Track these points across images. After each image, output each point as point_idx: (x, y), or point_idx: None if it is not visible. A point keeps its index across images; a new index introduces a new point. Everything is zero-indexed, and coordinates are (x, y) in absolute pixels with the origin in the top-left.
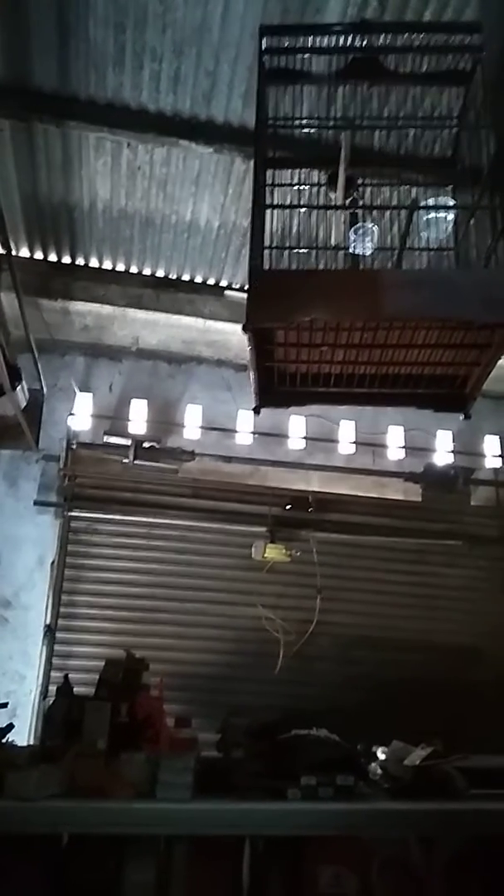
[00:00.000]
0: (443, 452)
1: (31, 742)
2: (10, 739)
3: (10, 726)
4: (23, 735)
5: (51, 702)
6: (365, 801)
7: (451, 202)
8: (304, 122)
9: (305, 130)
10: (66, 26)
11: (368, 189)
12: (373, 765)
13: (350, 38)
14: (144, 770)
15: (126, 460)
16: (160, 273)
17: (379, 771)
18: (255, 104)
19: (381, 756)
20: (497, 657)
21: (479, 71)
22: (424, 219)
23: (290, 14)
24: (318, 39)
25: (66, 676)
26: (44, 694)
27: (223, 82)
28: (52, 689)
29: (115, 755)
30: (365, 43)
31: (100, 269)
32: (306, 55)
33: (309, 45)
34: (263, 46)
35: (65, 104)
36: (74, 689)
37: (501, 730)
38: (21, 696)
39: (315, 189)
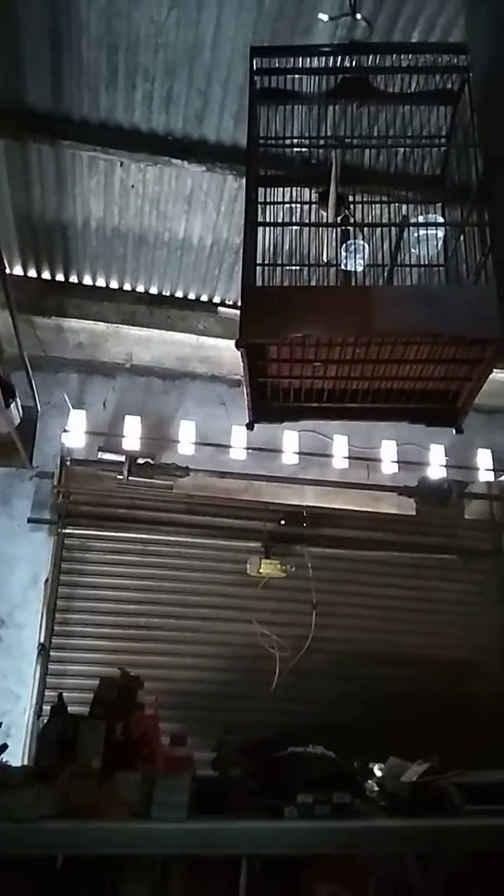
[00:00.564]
0: (436, 466)
1: (26, 762)
2: (4, 759)
3: (4, 746)
4: (17, 755)
5: (45, 721)
6: (362, 818)
7: (441, 219)
8: (295, 140)
9: (296, 149)
10: (59, 47)
11: (359, 206)
12: (369, 782)
13: (339, 59)
14: (140, 790)
15: (120, 477)
16: (153, 290)
17: (376, 788)
18: (246, 123)
19: (378, 773)
20: (493, 671)
21: (466, 91)
22: (415, 235)
23: (280, 35)
24: (307, 60)
25: (60, 695)
26: (38, 713)
27: (215, 102)
28: (47, 708)
29: (109, 775)
30: (354, 63)
31: (93, 286)
32: (296, 75)
33: (299, 66)
34: (254, 67)
35: (58, 124)
36: (69, 709)
37: (499, 744)
38: (15, 715)
39: (306, 206)
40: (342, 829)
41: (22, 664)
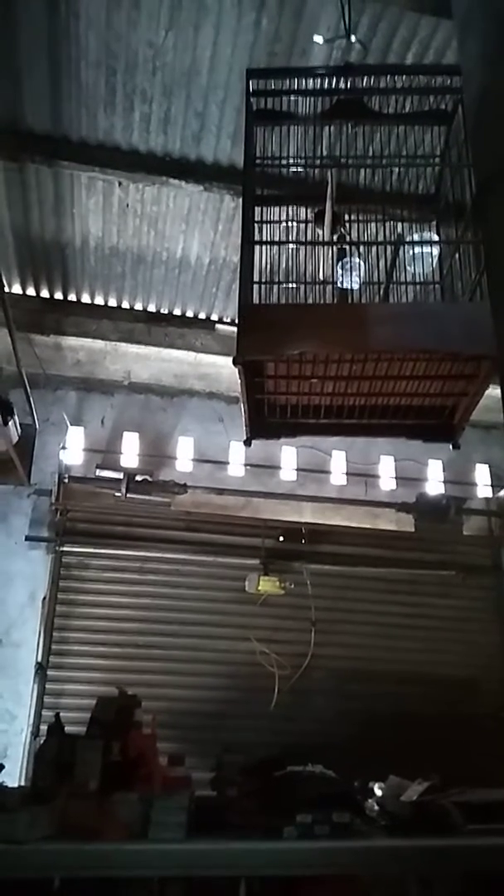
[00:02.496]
0: (434, 482)
1: (23, 783)
2: (0, 780)
3: (1, 767)
4: (14, 776)
5: (42, 741)
6: (361, 838)
7: (436, 237)
8: (291, 160)
9: (292, 169)
10: (58, 69)
11: (355, 225)
12: (369, 801)
13: (335, 81)
14: (137, 810)
15: (118, 494)
16: (151, 308)
17: (376, 807)
18: (243, 144)
19: (378, 792)
20: (493, 688)
21: (460, 111)
22: (410, 253)
23: (276, 57)
24: (303, 82)
25: (57, 715)
26: (35, 733)
27: (212, 123)
28: (44, 728)
29: (107, 795)
30: (349, 85)
31: (92, 304)
32: (292, 97)
33: (295, 88)
34: (251, 89)
35: (57, 145)
36: (66, 728)
37: (499, 763)
38: (12, 735)
39: (302, 225)
40: (342, 849)
41: (19, 683)
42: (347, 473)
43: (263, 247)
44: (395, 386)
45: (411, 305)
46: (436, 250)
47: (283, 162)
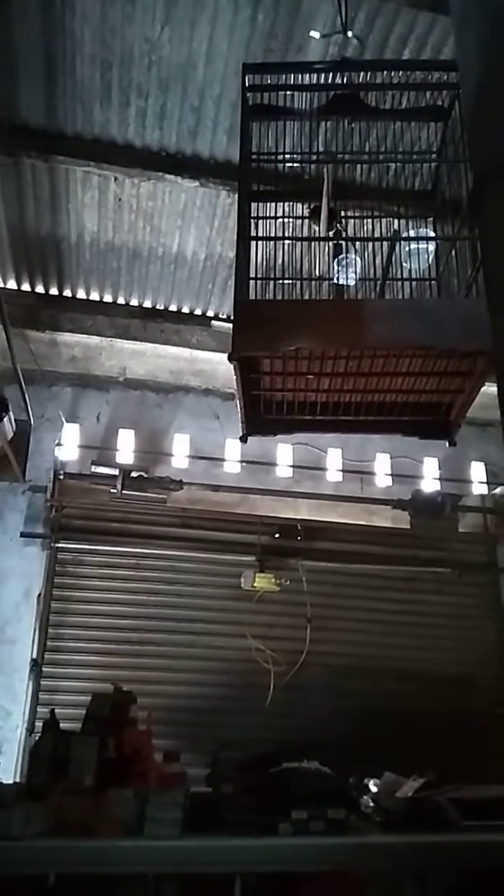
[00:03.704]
0: (430, 479)
1: (18, 779)
2: None
3: None
4: (9, 772)
5: (37, 738)
6: (357, 834)
7: (432, 234)
8: (288, 156)
9: (289, 164)
10: (53, 63)
11: (351, 221)
12: (364, 797)
13: (331, 76)
14: (132, 806)
15: (114, 490)
16: (147, 304)
17: (371, 803)
18: (239, 139)
19: (374, 788)
20: (487, 685)
21: (457, 107)
22: (406, 250)
23: (272, 52)
24: (300, 77)
25: (52, 711)
26: (30, 730)
27: (208, 118)
28: (39, 724)
29: (102, 791)
30: (346, 80)
31: (87, 300)
32: (289, 92)
33: (291, 83)
34: (247, 83)
35: (52, 139)
36: (61, 725)
37: (494, 759)
38: (7, 732)
39: (299, 221)
40: (337, 845)
41: (14, 680)
42: (343, 470)
43: (259, 243)
44: (391, 382)
45: (408, 302)
46: (432, 246)
47: (280, 158)
